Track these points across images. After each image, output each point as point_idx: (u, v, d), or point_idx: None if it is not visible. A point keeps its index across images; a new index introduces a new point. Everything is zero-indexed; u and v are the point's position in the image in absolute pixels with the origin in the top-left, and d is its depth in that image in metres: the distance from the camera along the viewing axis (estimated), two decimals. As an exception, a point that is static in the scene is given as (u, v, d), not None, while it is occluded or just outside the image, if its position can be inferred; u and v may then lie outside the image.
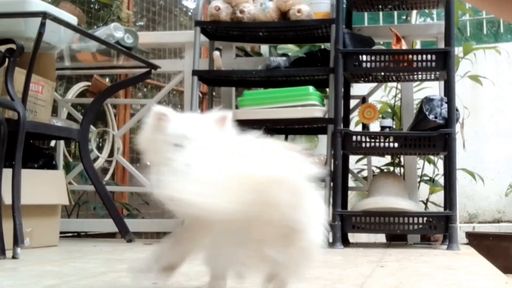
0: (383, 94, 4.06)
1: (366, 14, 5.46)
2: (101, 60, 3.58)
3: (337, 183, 2.92)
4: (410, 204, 2.98)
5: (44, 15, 2.43)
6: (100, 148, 4.39)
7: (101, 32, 3.24)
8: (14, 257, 2.28)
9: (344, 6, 3.23)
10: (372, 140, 2.96)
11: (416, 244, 3.25)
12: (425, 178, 3.86)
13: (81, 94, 4.33)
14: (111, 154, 4.30)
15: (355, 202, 3.62)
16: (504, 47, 4.54)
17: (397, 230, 2.91)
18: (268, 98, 3.13)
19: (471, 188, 4.93)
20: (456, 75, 3.27)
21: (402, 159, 3.64)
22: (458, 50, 3.62)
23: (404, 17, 5.25)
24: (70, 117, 3.77)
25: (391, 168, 3.78)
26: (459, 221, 3.51)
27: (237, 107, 3.32)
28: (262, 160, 1.11)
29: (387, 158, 3.79)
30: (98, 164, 4.12)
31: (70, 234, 3.68)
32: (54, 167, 3.19)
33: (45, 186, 2.85)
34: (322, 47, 3.84)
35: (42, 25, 2.42)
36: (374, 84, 3.59)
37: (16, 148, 2.38)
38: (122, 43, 3.26)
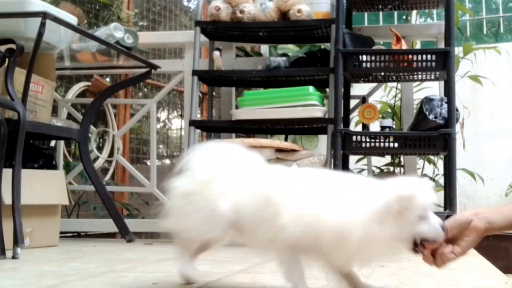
0: (383, 94, 4.07)
1: (366, 14, 5.46)
2: (101, 60, 3.58)
3: (337, 183, 2.91)
4: (410, 204, 2.97)
5: (44, 15, 2.43)
6: (100, 148, 4.39)
7: (101, 32, 3.23)
8: (14, 257, 2.28)
9: (344, 6, 3.23)
10: (372, 140, 2.96)
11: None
12: (425, 178, 3.85)
13: (81, 94, 4.33)
14: (111, 154, 4.30)
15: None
16: (504, 47, 4.54)
17: (397, 230, 2.90)
18: (268, 98, 3.13)
19: (471, 188, 4.93)
20: (456, 75, 3.26)
21: (402, 159, 3.64)
22: (458, 50, 3.62)
23: (404, 17, 5.26)
24: (70, 117, 3.77)
25: (391, 168, 3.78)
26: (459, 221, 3.50)
27: (237, 107, 3.32)
28: None
29: (387, 158, 3.79)
30: (98, 164, 4.12)
31: (70, 234, 3.68)
32: (54, 167, 3.19)
33: (45, 186, 2.85)
34: (322, 47, 3.84)
35: (42, 25, 2.42)
36: (374, 84, 3.59)
37: (16, 148, 2.38)
38: (122, 43, 3.26)
